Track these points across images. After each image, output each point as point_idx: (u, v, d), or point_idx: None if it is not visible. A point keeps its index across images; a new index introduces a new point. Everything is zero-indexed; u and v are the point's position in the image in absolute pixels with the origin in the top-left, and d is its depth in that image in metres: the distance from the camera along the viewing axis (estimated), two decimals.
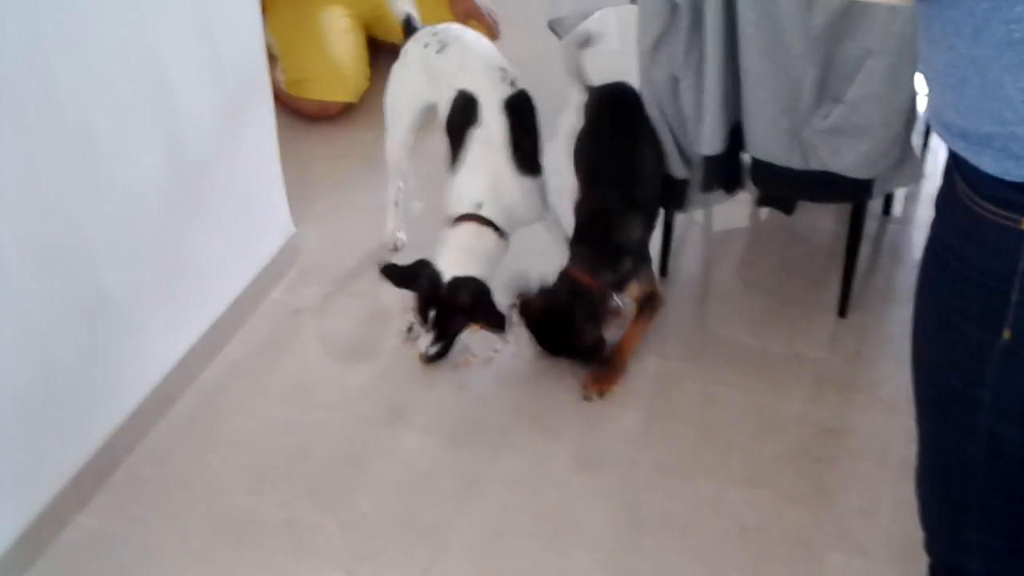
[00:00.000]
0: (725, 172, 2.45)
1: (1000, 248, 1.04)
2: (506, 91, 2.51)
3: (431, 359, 2.45)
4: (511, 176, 2.46)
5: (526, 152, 2.49)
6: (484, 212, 2.42)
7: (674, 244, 2.75)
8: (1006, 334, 1.06)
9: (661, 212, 2.63)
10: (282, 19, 3.37)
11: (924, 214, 2.99)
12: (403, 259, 2.51)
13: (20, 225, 1.90)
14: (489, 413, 2.40)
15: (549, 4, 2.56)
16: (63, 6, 1.90)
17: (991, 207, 1.04)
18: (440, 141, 2.62)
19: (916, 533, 1.38)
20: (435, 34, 2.67)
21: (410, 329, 2.57)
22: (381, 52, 3.64)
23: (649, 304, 2.48)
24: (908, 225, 2.95)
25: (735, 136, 2.41)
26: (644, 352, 2.52)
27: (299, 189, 2.90)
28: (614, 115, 2.51)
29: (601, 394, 2.41)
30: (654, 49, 2.32)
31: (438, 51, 2.62)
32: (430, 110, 2.69)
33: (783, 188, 2.50)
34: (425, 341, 2.43)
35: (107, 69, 2.05)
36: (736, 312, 2.67)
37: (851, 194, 2.41)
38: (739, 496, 2.16)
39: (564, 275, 2.37)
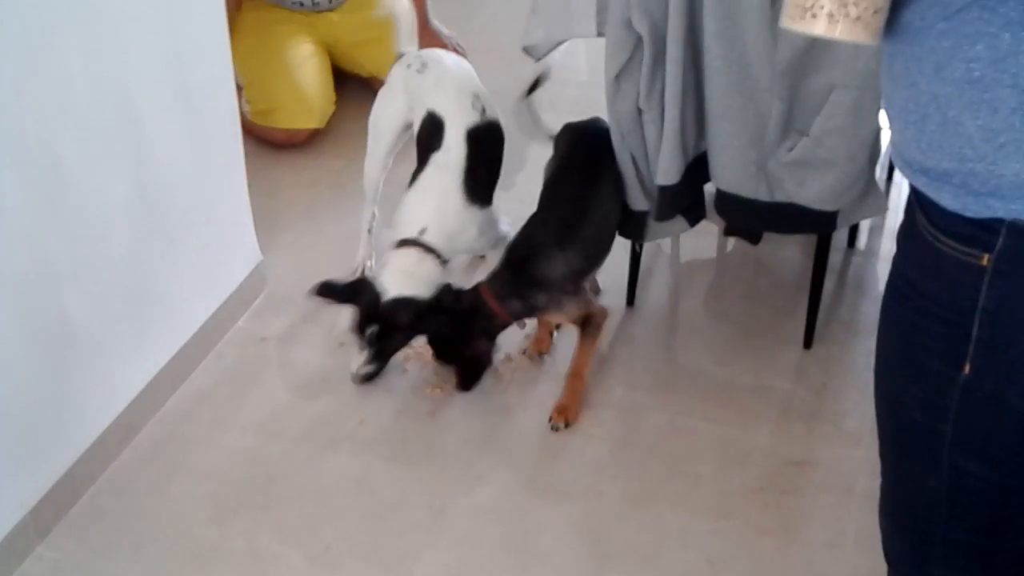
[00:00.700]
0: (682, 203, 2.46)
1: (961, 284, 1.05)
2: (474, 119, 2.54)
3: (365, 379, 2.47)
4: (459, 204, 2.49)
5: (479, 182, 2.52)
6: (427, 237, 2.44)
7: (641, 275, 2.76)
8: (967, 369, 1.07)
9: (628, 244, 2.65)
10: (245, 48, 3.36)
11: (888, 247, 3.02)
12: None
13: None
14: (456, 443, 2.39)
15: (523, 31, 2.58)
16: (28, 33, 1.89)
17: (952, 243, 1.05)
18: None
19: (880, 566, 1.38)
20: (419, 56, 2.73)
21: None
22: (347, 78, 3.66)
23: (589, 323, 2.46)
24: (872, 257, 2.98)
25: (698, 168, 2.42)
26: (611, 382, 2.53)
27: (267, 217, 2.90)
28: (578, 151, 2.52)
29: (567, 423, 2.40)
30: (618, 80, 2.34)
31: (418, 71, 2.66)
32: (410, 132, 2.72)
33: (749, 219, 2.51)
34: (359, 360, 2.44)
35: (74, 96, 2.04)
36: (703, 343, 2.68)
37: (816, 226, 2.43)
38: (705, 528, 2.16)
39: (475, 288, 2.38)
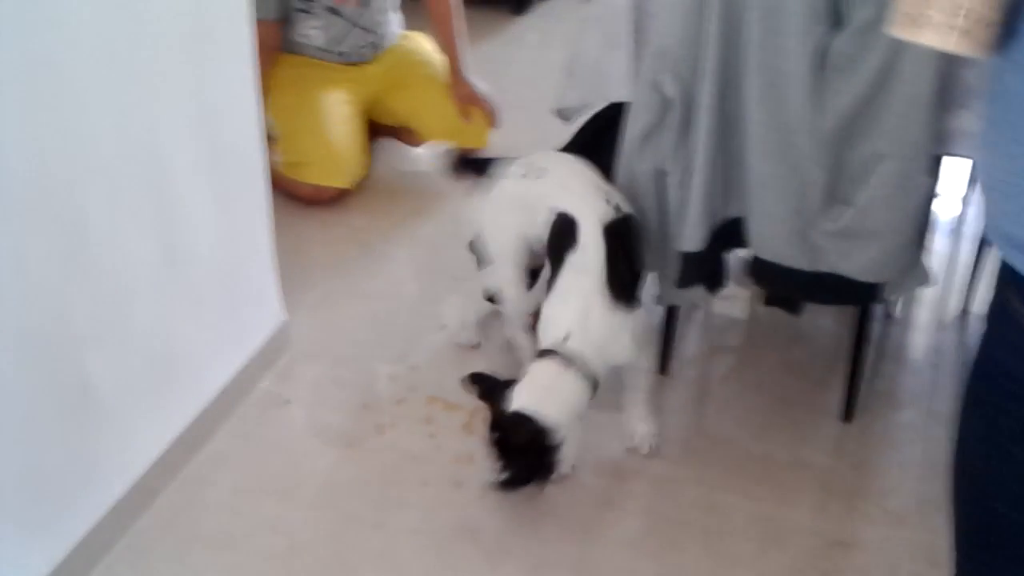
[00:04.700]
0: (704, 270, 2.41)
1: None
2: (608, 214, 2.33)
3: (500, 487, 2.24)
4: (603, 307, 2.25)
5: (623, 281, 2.30)
6: (571, 345, 2.21)
7: (675, 343, 2.69)
8: None
9: (660, 311, 2.60)
10: (285, 101, 3.36)
11: (924, 316, 2.96)
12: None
13: (5, 312, 1.83)
14: (486, 515, 2.31)
15: (556, 95, 2.54)
16: (58, 88, 1.85)
17: None
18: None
19: None
20: (530, 163, 2.51)
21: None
22: (380, 137, 3.64)
23: None
24: (908, 327, 2.91)
25: (723, 235, 2.36)
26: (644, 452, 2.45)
27: (292, 274, 2.84)
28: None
29: None
30: (643, 141, 2.28)
31: (537, 177, 2.47)
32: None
33: (789, 289, 2.45)
34: (491, 466, 2.24)
35: (102, 155, 1.99)
36: (738, 414, 2.60)
37: (859, 297, 2.36)
38: None
39: None
